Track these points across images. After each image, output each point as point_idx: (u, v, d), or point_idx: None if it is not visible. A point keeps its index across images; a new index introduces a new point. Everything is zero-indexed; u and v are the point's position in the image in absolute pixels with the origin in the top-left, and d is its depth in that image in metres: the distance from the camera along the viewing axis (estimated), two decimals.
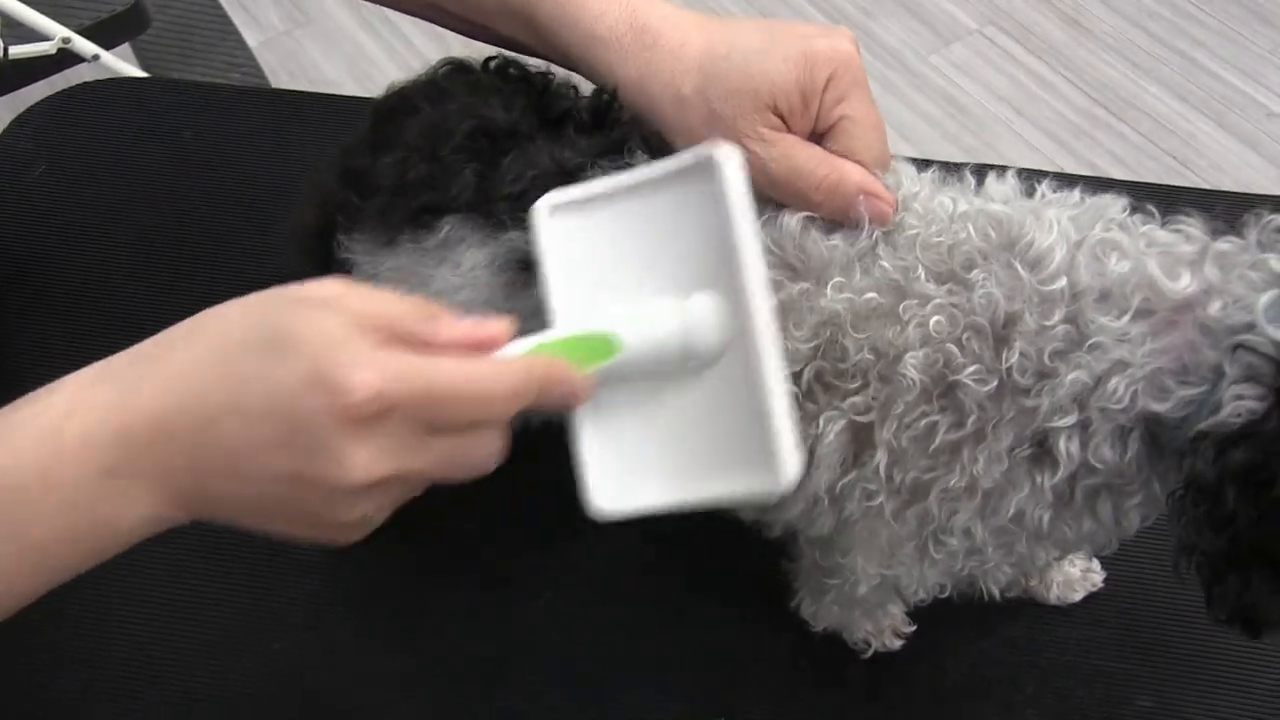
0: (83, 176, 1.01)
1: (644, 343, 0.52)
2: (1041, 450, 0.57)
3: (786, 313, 0.60)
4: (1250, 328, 0.53)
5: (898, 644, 0.79)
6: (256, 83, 1.84)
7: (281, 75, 1.93)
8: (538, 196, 0.56)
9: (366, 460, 0.44)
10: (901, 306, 0.59)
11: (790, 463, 0.50)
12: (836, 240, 0.61)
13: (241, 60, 1.90)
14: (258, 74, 1.88)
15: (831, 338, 0.60)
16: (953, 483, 0.59)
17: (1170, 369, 0.55)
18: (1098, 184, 0.61)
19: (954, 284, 0.59)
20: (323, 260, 0.68)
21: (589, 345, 0.51)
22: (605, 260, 0.54)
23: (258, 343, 0.44)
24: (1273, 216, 0.56)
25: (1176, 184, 1.62)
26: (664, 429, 0.55)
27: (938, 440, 0.58)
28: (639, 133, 0.63)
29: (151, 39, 1.80)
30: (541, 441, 0.60)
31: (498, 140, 0.64)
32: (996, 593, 0.68)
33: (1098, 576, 0.82)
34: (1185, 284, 0.55)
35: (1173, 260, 0.57)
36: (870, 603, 0.72)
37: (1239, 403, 0.52)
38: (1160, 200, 0.61)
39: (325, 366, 0.43)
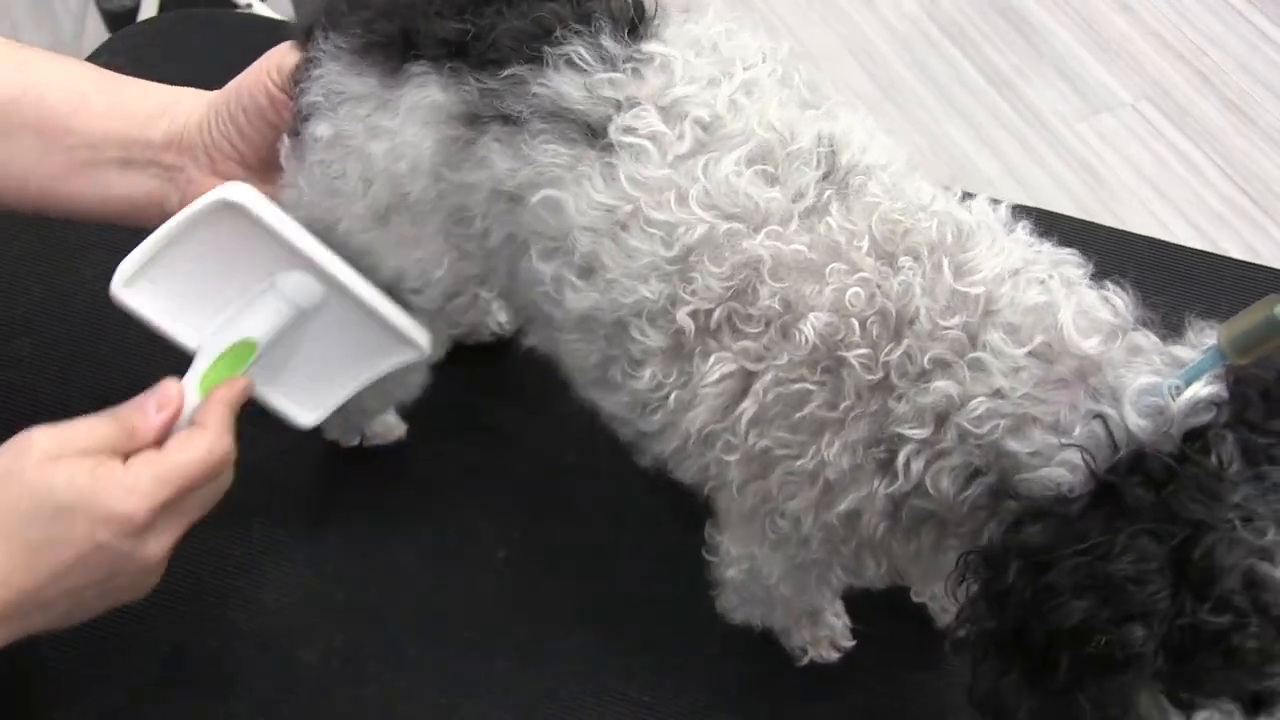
0: None
1: (269, 328, 0.69)
2: (889, 457, 0.57)
3: (707, 249, 0.60)
4: (1118, 401, 0.52)
5: (834, 656, 0.79)
6: None
7: None
8: (509, 50, 0.62)
9: (158, 545, 0.60)
10: (829, 268, 0.58)
11: (419, 336, 0.71)
12: (775, 193, 0.60)
13: None
14: None
15: (747, 280, 0.60)
16: (799, 464, 0.59)
17: (1045, 421, 0.54)
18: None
19: (888, 265, 0.59)
20: None
21: (235, 356, 0.68)
22: (199, 287, 0.69)
23: (41, 516, 0.57)
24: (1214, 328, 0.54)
25: None
26: (323, 354, 0.73)
27: (806, 411, 0.58)
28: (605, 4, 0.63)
29: None
30: None
31: None
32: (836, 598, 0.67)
33: None
34: (1091, 344, 0.55)
35: (1089, 322, 0.56)
36: (756, 596, 0.73)
37: (1060, 471, 0.51)
38: None
39: (100, 508, 0.57)
